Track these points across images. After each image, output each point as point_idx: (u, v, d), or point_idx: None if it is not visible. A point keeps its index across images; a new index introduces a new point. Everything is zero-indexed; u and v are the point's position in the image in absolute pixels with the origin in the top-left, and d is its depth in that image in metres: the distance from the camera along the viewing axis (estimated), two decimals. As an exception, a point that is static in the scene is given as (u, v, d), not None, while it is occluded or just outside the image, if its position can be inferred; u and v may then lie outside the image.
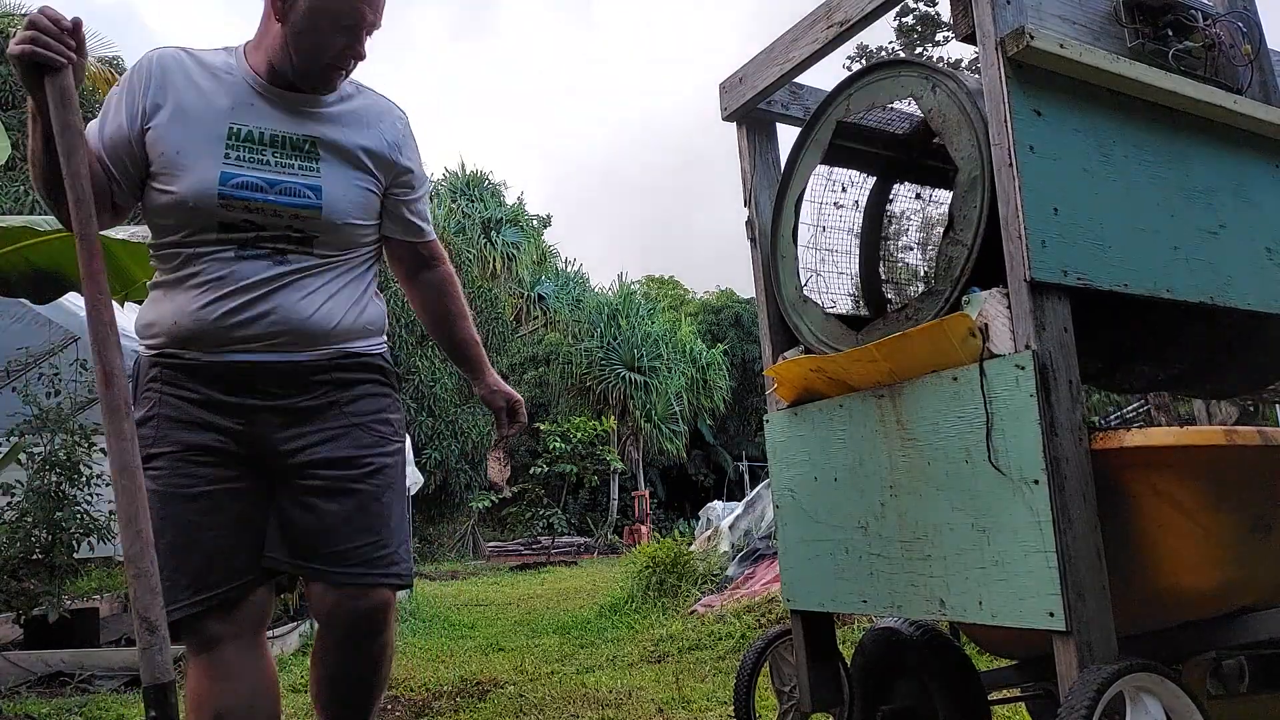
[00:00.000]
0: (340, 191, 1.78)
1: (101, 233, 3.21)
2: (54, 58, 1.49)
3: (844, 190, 2.61)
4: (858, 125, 2.50)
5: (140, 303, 3.86)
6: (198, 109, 1.72)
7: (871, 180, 2.67)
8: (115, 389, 1.47)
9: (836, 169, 2.57)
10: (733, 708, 2.39)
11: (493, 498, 19.26)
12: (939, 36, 19.81)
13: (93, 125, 1.73)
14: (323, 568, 1.75)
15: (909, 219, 2.76)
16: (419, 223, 1.96)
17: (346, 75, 1.82)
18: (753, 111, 2.49)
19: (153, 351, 1.78)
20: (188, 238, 1.72)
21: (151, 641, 1.43)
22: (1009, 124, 1.74)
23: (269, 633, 5.50)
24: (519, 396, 2.14)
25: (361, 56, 1.78)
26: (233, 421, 1.73)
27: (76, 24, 1.52)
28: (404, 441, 2.02)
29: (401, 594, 9.05)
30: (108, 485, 5.58)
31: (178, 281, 1.74)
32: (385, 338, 1.97)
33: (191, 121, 1.71)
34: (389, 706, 4.10)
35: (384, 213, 1.90)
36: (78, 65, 1.53)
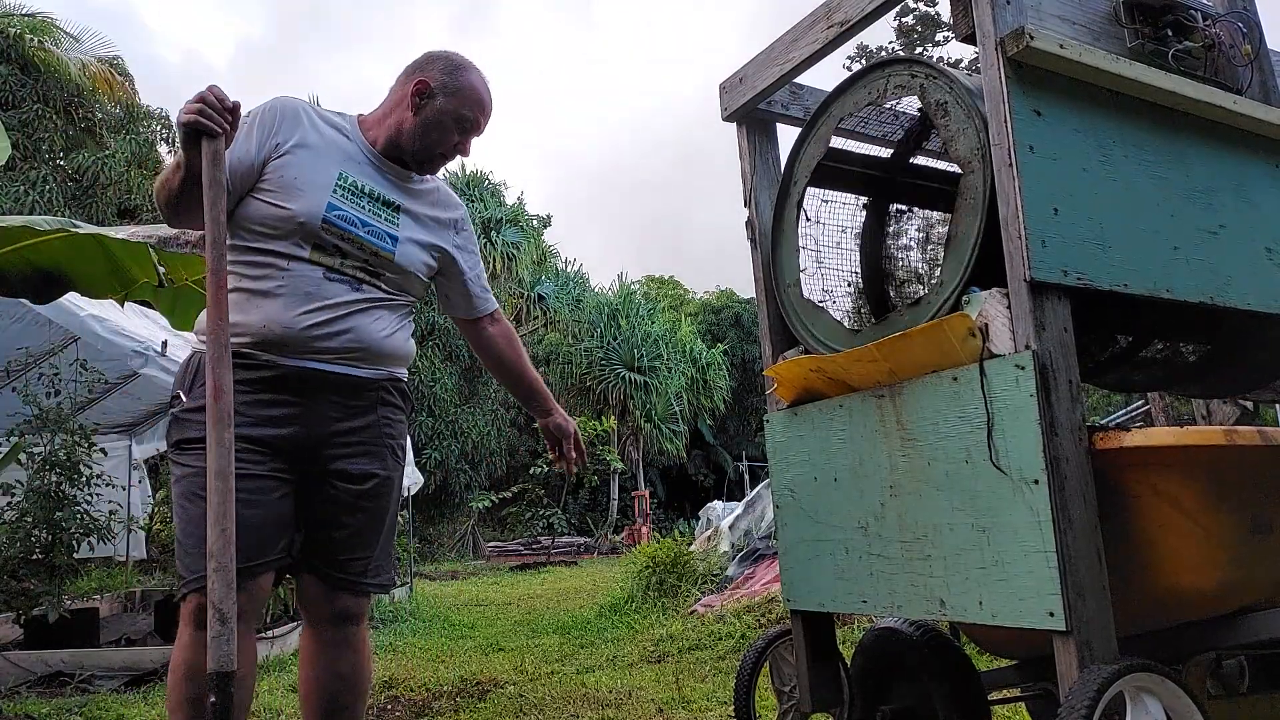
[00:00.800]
0: (411, 245, 2.11)
1: (101, 232, 3.20)
2: (213, 128, 1.81)
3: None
4: (845, 151, 2.52)
5: (141, 303, 3.85)
6: (319, 149, 2.04)
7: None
8: (223, 403, 1.71)
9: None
10: (733, 708, 2.39)
11: (492, 498, 19.26)
12: (939, 36, 19.81)
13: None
14: (326, 569, 2.02)
15: (909, 219, 2.76)
16: (482, 294, 2.33)
17: (446, 164, 2.23)
18: (753, 112, 2.49)
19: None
20: (283, 251, 1.97)
21: (221, 632, 1.60)
22: (1009, 124, 1.74)
23: (269, 633, 5.51)
24: (574, 430, 2.42)
25: (466, 154, 2.19)
26: (289, 421, 1.94)
27: (236, 106, 1.85)
28: (405, 462, 2.27)
29: (401, 594, 9.07)
30: (108, 485, 5.59)
31: (266, 292, 1.96)
32: (405, 369, 2.24)
33: (312, 157, 2.03)
34: (389, 706, 4.10)
35: (451, 289, 2.29)
36: (229, 135, 1.85)
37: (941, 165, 2.71)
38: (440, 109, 2.09)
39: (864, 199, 2.67)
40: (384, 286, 2.07)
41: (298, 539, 1.98)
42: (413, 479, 9.28)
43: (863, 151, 2.62)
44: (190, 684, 1.80)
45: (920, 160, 2.70)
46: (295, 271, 1.96)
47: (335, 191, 2.01)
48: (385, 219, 2.08)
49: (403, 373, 2.18)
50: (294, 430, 1.94)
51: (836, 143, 2.30)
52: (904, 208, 2.73)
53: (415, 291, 2.18)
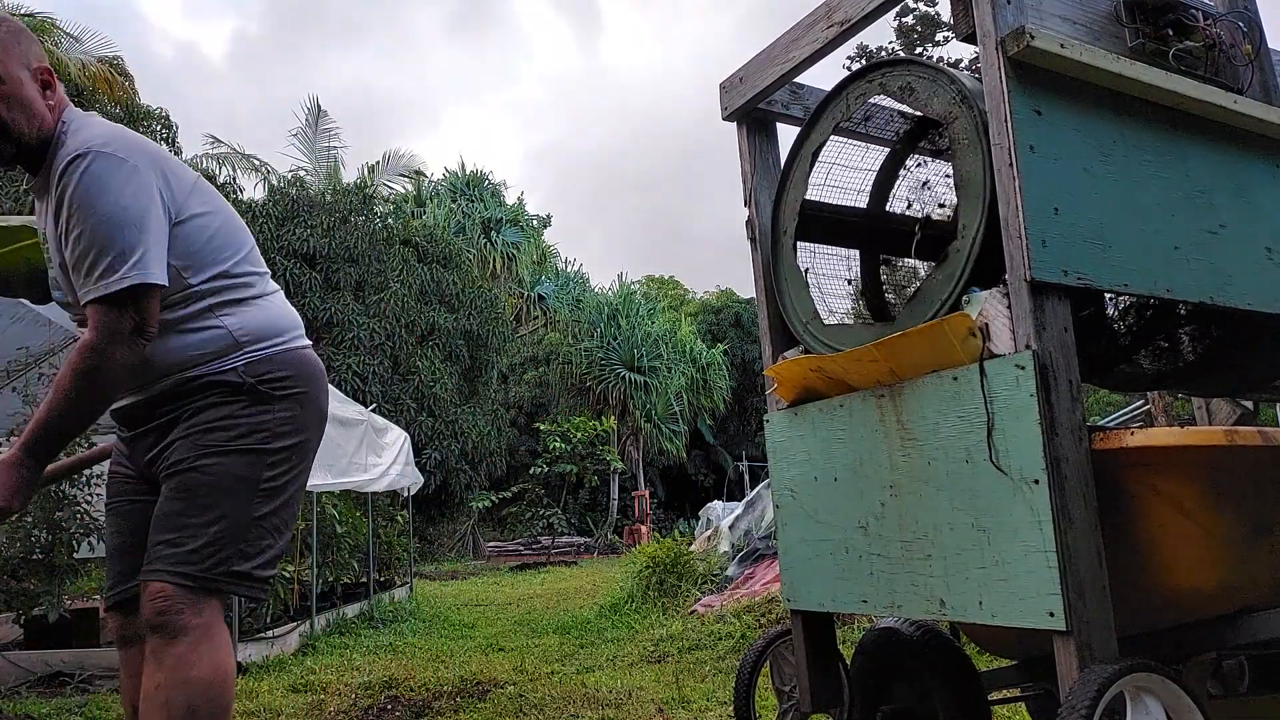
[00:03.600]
0: (58, 270, 1.84)
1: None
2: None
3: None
4: (825, 205, 2.52)
5: None
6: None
7: (871, 180, 2.66)
8: None
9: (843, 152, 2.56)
10: (733, 708, 2.39)
11: (492, 498, 19.25)
12: (939, 36, 19.81)
13: None
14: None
15: (908, 216, 2.76)
16: (60, 282, 1.87)
17: (6, 140, 1.79)
18: (753, 111, 2.49)
19: None
20: None
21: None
22: (1009, 124, 1.74)
23: (269, 632, 5.50)
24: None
25: None
26: (128, 449, 1.97)
27: None
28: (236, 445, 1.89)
29: (401, 594, 9.06)
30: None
31: None
32: (252, 348, 1.91)
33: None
34: (389, 706, 4.10)
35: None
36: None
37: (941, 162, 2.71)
38: None
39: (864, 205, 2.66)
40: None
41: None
42: (413, 479, 9.27)
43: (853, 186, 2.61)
44: (123, 704, 1.94)
45: (918, 161, 2.69)
46: None
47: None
48: (51, 259, 1.87)
49: (200, 372, 1.86)
50: (129, 461, 2.00)
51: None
52: (904, 208, 2.72)
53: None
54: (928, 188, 2.74)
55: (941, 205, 2.66)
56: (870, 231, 2.64)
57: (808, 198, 2.32)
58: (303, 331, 2.04)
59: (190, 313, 1.87)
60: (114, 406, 1.93)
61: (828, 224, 2.52)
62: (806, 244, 2.44)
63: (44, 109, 1.83)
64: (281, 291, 2.08)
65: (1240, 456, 1.74)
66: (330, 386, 2.43)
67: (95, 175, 1.71)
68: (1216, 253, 2.00)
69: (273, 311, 1.97)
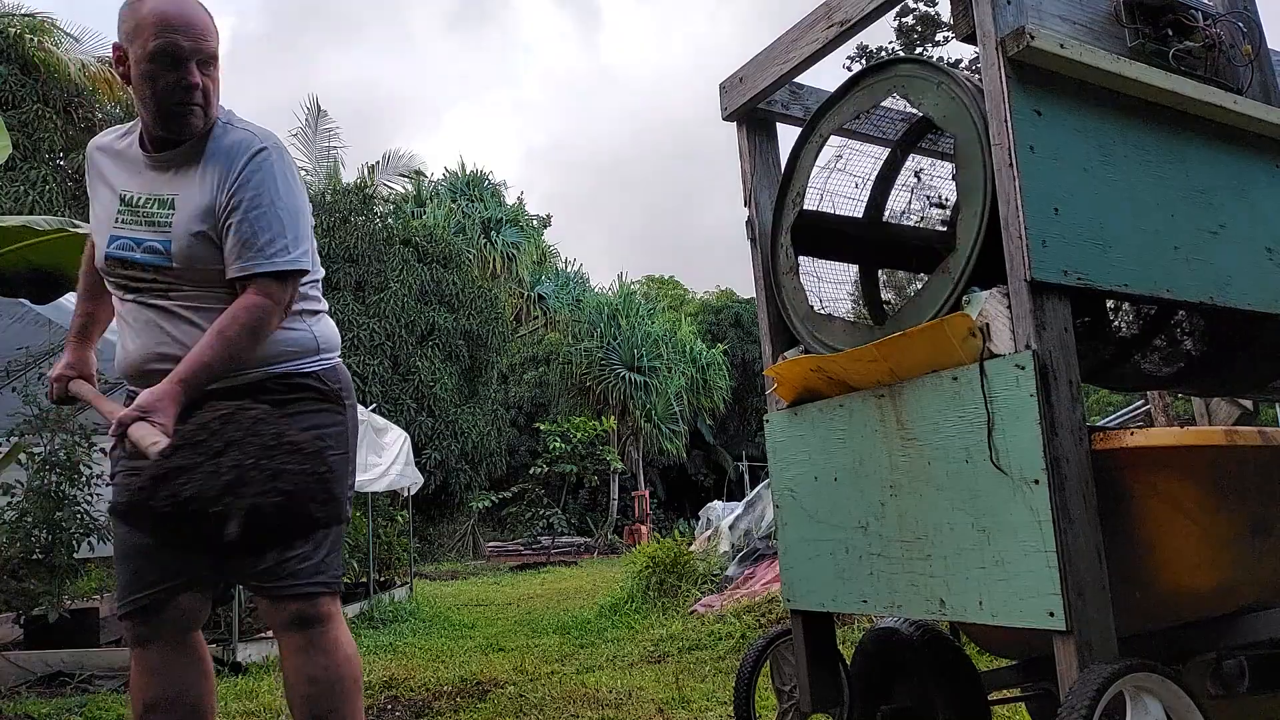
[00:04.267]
0: (187, 238, 1.91)
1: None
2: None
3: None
4: (830, 216, 2.52)
5: None
6: (106, 182, 2.00)
7: (872, 178, 2.66)
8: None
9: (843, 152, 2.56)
10: (733, 708, 2.39)
11: (492, 498, 19.25)
12: (939, 36, 19.82)
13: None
14: (256, 582, 1.94)
15: (908, 216, 2.76)
16: (240, 254, 1.90)
17: (202, 109, 1.90)
18: (753, 111, 2.49)
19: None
20: (116, 297, 2.01)
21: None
22: (1009, 124, 1.74)
23: (269, 633, 5.50)
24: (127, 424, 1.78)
25: (196, 86, 1.87)
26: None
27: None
28: (336, 454, 2.02)
29: (401, 594, 9.07)
30: (108, 485, 5.58)
31: (122, 334, 2.00)
32: (326, 355, 2.07)
33: (101, 195, 2.00)
34: (389, 706, 4.10)
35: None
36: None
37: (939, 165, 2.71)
38: (135, 62, 1.85)
39: (865, 202, 2.66)
40: (194, 290, 1.92)
41: (200, 555, 1.89)
42: (413, 479, 9.27)
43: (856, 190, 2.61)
44: (137, 706, 1.94)
45: (917, 162, 2.69)
46: (123, 313, 1.98)
47: (116, 220, 1.94)
48: (159, 224, 1.91)
49: (294, 366, 1.98)
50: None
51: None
52: (904, 208, 2.72)
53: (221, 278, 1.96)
54: (928, 188, 2.74)
55: (942, 206, 2.66)
56: (869, 243, 2.65)
57: (807, 208, 2.32)
58: None
59: (294, 308, 2.03)
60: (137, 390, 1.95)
61: (826, 234, 2.52)
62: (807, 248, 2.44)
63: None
64: None
65: (1240, 456, 1.74)
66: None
67: (282, 168, 1.94)
68: (1216, 253, 2.00)
69: (335, 327, 2.17)
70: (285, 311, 1.93)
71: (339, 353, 2.15)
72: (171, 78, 1.84)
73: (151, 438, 1.67)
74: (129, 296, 1.97)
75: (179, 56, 1.84)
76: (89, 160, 2.06)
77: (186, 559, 1.93)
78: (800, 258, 2.31)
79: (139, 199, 1.94)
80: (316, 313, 2.09)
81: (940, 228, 2.72)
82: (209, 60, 1.90)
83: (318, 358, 2.04)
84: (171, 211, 1.91)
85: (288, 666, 1.95)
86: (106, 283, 2.01)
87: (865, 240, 2.64)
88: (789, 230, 2.30)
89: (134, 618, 1.94)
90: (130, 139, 2.01)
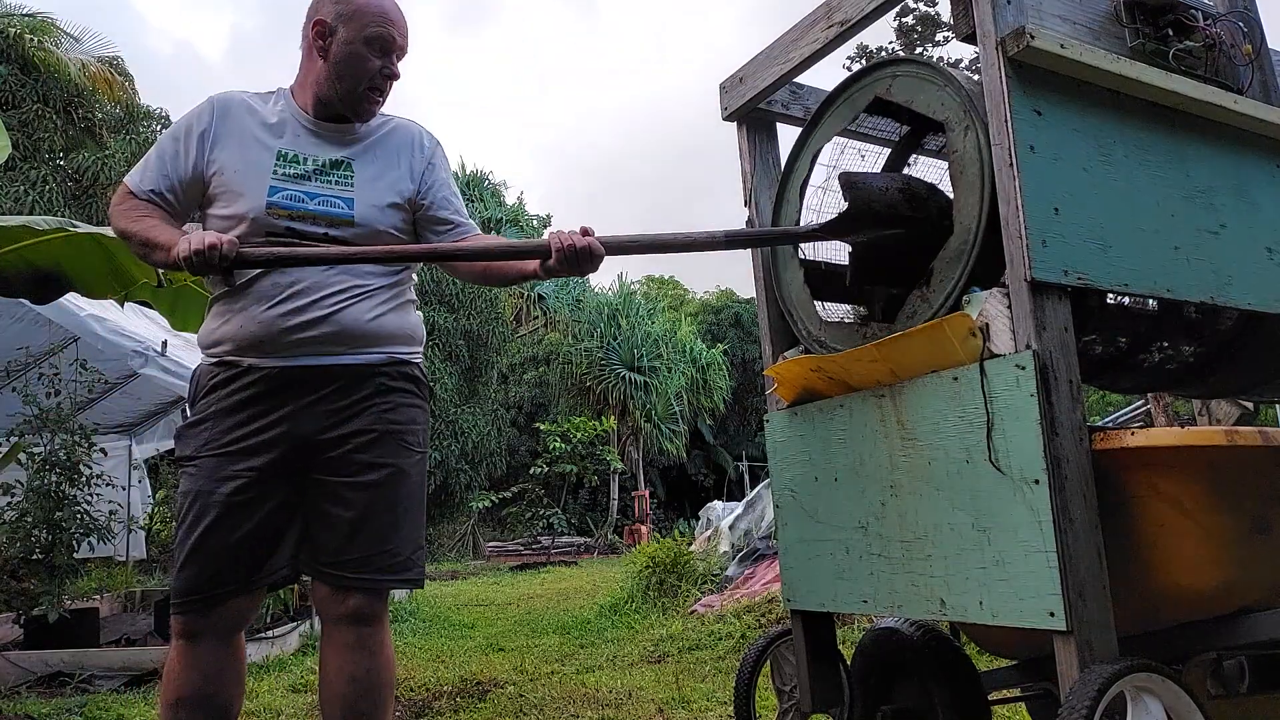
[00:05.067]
0: (371, 203, 2.00)
1: (101, 232, 3.21)
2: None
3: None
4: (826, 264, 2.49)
5: (141, 303, 3.87)
6: (251, 137, 2.00)
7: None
8: None
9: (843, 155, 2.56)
10: (733, 708, 2.39)
11: (492, 498, 19.24)
12: (939, 36, 19.82)
13: (159, 159, 2.00)
14: (328, 569, 1.95)
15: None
16: (464, 225, 2.15)
17: (384, 98, 2.09)
18: (753, 111, 2.49)
19: (213, 360, 2.00)
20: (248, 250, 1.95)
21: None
22: (1009, 124, 1.74)
23: (269, 632, 5.51)
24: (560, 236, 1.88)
25: (396, 76, 2.06)
26: (276, 425, 1.91)
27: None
28: (423, 450, 2.11)
29: (401, 594, 9.07)
30: (108, 485, 5.59)
31: (238, 295, 1.95)
32: (420, 349, 2.13)
33: (246, 148, 1.99)
34: (389, 706, 4.10)
35: (430, 231, 2.11)
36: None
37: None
38: (345, 40, 1.98)
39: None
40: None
41: (285, 552, 1.94)
42: (413, 479, 9.26)
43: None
44: (169, 696, 1.91)
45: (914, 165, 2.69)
46: (246, 279, 1.94)
47: (275, 173, 1.95)
48: (337, 182, 1.99)
49: (408, 353, 2.06)
50: (281, 434, 1.90)
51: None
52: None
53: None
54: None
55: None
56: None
57: (806, 257, 2.33)
58: None
59: (410, 295, 2.14)
60: (290, 363, 1.92)
61: (828, 279, 2.51)
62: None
63: None
64: None
65: (1240, 456, 1.74)
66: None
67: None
68: (1216, 253, 2.00)
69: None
70: None
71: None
72: (378, 64, 2.01)
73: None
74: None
75: (390, 49, 2.02)
76: (223, 108, 2.02)
77: (261, 561, 1.91)
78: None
79: (305, 158, 2.00)
80: (414, 300, 2.17)
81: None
82: (403, 55, 2.08)
83: (419, 348, 2.12)
84: (351, 175, 2.01)
85: (332, 663, 1.92)
86: (241, 240, 1.86)
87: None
88: (792, 224, 2.30)
89: (192, 610, 1.89)
90: (279, 104, 2.07)
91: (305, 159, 1.99)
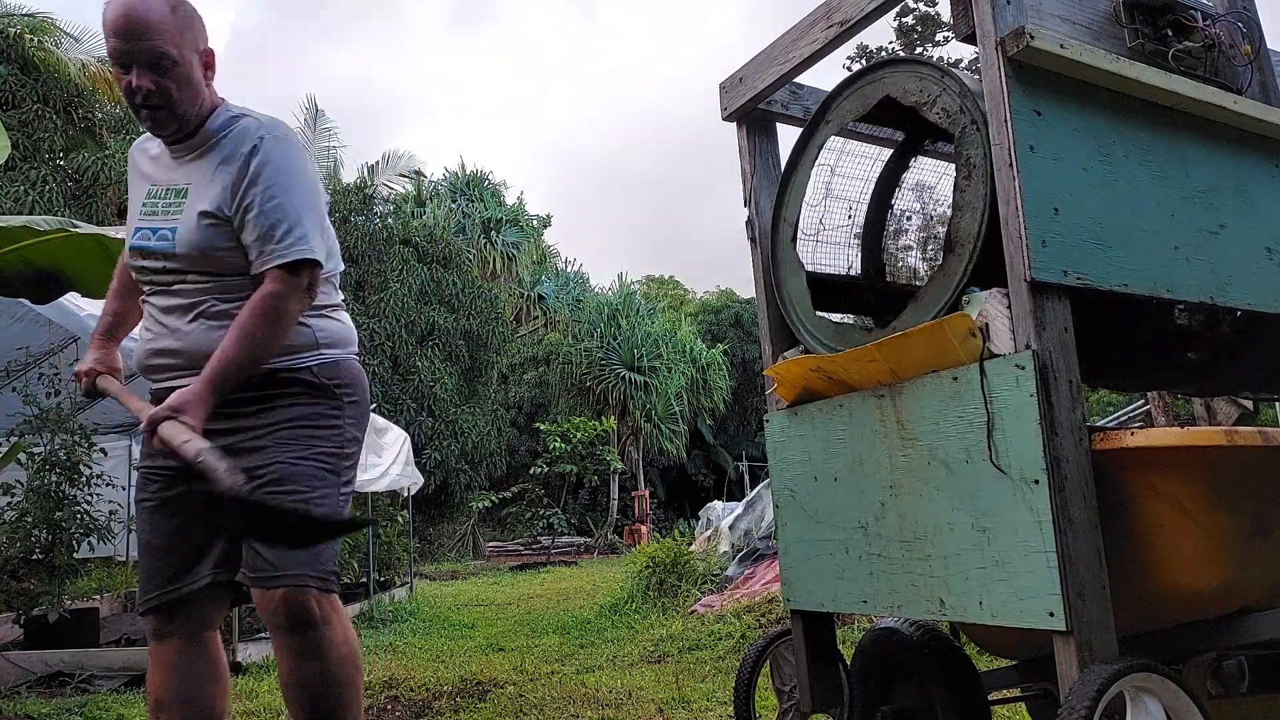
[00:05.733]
0: (190, 226, 1.92)
1: (101, 232, 3.20)
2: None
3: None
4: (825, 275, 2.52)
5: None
6: (138, 177, 2.06)
7: (874, 179, 2.66)
8: None
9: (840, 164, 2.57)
10: (733, 708, 2.39)
11: (492, 498, 19.25)
12: (939, 36, 19.81)
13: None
14: (249, 575, 1.91)
15: (909, 218, 2.76)
16: (257, 246, 1.90)
17: (162, 112, 1.90)
18: (753, 111, 2.49)
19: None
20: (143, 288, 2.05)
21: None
22: (1009, 124, 1.74)
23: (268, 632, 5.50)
24: (155, 424, 1.79)
25: (143, 89, 1.85)
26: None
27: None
28: (319, 443, 1.98)
29: (401, 594, 9.07)
30: (108, 485, 5.59)
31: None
32: (325, 351, 2.03)
33: (133, 190, 2.04)
34: (389, 706, 4.10)
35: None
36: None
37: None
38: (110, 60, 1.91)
39: (866, 200, 2.67)
40: (200, 280, 1.93)
41: (213, 556, 1.95)
42: (413, 479, 9.27)
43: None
44: (150, 700, 1.97)
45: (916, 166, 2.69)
46: (145, 306, 2.04)
47: (140, 213, 1.99)
48: (171, 212, 1.94)
49: (282, 361, 1.94)
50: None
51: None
52: (904, 207, 2.73)
53: (234, 267, 1.94)
54: (930, 190, 2.74)
55: (939, 225, 2.67)
56: (868, 295, 2.65)
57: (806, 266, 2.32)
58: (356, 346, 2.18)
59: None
60: (168, 385, 1.97)
61: (825, 289, 2.52)
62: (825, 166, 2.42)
63: (204, 89, 1.96)
64: None
65: (1240, 456, 1.74)
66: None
67: (288, 155, 1.92)
68: (1216, 253, 2.00)
69: (345, 323, 2.14)
70: (307, 297, 1.92)
71: (348, 349, 2.10)
72: (123, 82, 1.88)
73: (182, 436, 1.72)
74: (146, 290, 2.03)
75: (122, 62, 1.86)
76: (130, 160, 2.11)
77: (200, 556, 1.95)
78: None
79: (159, 190, 1.99)
80: (324, 308, 2.06)
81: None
82: (157, 60, 1.85)
83: (315, 353, 2.00)
84: (184, 200, 1.93)
85: (281, 669, 1.92)
86: (133, 278, 2.06)
87: (864, 292, 2.65)
88: (792, 225, 2.30)
89: (155, 614, 1.96)
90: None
91: (160, 191, 1.99)
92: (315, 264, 1.92)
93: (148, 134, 2.06)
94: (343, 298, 2.19)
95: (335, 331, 2.08)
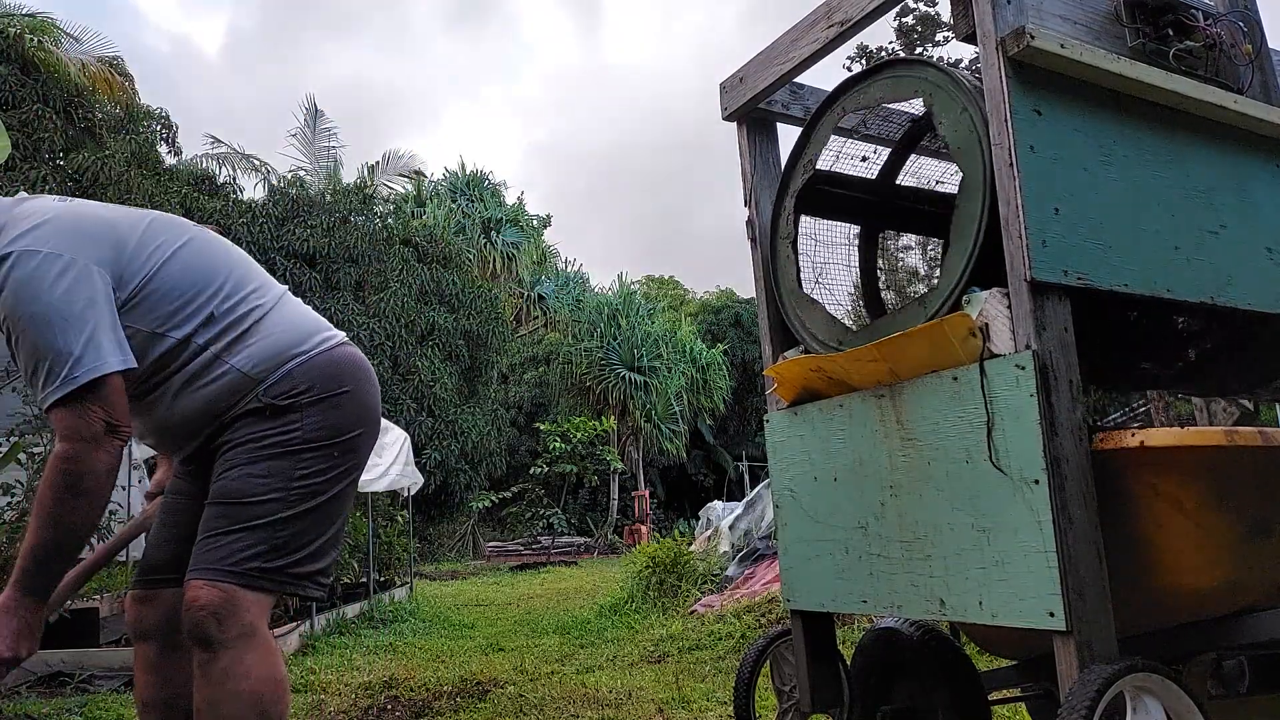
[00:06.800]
0: None
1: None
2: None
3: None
4: (837, 174, 2.51)
5: None
6: None
7: (872, 177, 2.66)
8: None
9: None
10: (733, 708, 2.39)
11: (492, 498, 19.25)
12: (939, 36, 19.81)
13: None
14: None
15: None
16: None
17: None
18: (753, 111, 2.49)
19: None
20: None
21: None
22: (1009, 124, 1.74)
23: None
24: None
25: None
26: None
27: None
28: (273, 448, 1.86)
29: (401, 594, 9.06)
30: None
31: None
32: (266, 376, 1.85)
33: None
34: (389, 706, 4.10)
35: None
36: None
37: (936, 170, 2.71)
38: None
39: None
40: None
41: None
42: (413, 479, 9.28)
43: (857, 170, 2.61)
44: (137, 701, 1.97)
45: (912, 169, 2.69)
46: None
47: None
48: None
49: (232, 413, 1.84)
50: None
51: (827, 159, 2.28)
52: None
53: (145, 358, 1.77)
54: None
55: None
56: (875, 205, 2.64)
57: (819, 167, 2.28)
58: (323, 333, 1.94)
59: (198, 366, 1.82)
60: (177, 456, 2.00)
61: (832, 196, 2.52)
62: (809, 239, 2.44)
63: None
64: (287, 293, 1.99)
65: (1240, 456, 1.73)
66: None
67: (21, 281, 1.63)
68: (1217, 253, 2.00)
69: (277, 331, 1.87)
70: (116, 428, 1.66)
71: (301, 349, 1.88)
72: None
73: None
74: None
75: None
76: None
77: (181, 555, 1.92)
78: (805, 216, 2.30)
79: None
80: (239, 338, 1.84)
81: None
82: None
83: (260, 386, 1.82)
84: None
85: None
86: None
87: (870, 202, 2.64)
88: (791, 225, 2.30)
89: (134, 604, 1.95)
90: None
91: None
92: (99, 382, 1.64)
93: None
94: (276, 293, 1.95)
95: (267, 351, 1.85)
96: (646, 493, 21.91)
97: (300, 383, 1.85)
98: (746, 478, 22.67)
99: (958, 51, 19.20)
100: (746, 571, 6.95)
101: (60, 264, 1.66)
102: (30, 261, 1.64)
